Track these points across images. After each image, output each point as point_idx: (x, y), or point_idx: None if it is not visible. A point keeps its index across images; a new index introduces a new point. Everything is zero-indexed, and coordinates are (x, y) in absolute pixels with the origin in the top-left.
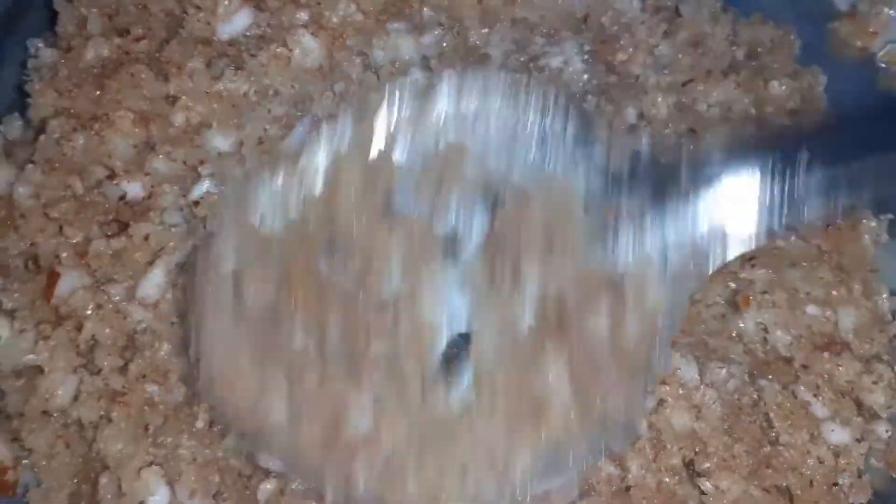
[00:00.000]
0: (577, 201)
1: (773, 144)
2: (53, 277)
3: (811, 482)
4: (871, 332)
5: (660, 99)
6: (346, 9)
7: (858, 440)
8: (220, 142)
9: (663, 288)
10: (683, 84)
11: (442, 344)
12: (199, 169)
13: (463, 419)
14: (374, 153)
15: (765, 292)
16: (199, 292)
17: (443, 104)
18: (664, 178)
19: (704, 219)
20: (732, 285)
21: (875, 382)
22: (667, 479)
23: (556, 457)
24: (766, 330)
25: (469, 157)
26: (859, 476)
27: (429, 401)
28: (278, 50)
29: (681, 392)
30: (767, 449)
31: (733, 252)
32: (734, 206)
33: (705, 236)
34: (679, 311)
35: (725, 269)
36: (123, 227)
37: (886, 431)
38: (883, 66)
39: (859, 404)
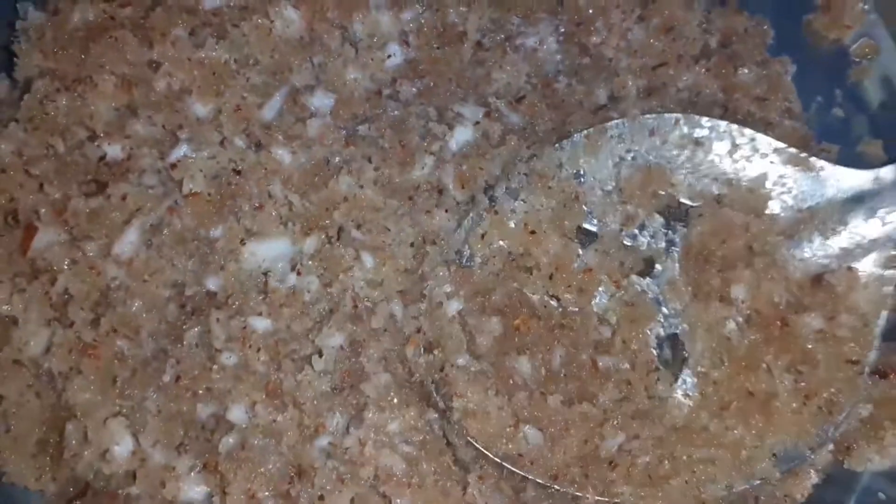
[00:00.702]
0: (767, 196)
1: None
2: (30, 232)
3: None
4: None
5: (630, 82)
6: None
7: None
8: (199, 108)
9: (869, 282)
10: (654, 68)
11: (657, 345)
12: (178, 133)
13: (696, 421)
14: (556, 192)
15: None
16: (436, 335)
17: (610, 147)
18: (858, 178)
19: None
20: None
21: None
22: None
23: (791, 446)
24: None
25: (650, 173)
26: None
27: (665, 407)
28: (260, 21)
29: None
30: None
31: None
32: None
33: None
34: (888, 299)
35: None
36: (102, 187)
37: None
38: (855, 60)
39: None
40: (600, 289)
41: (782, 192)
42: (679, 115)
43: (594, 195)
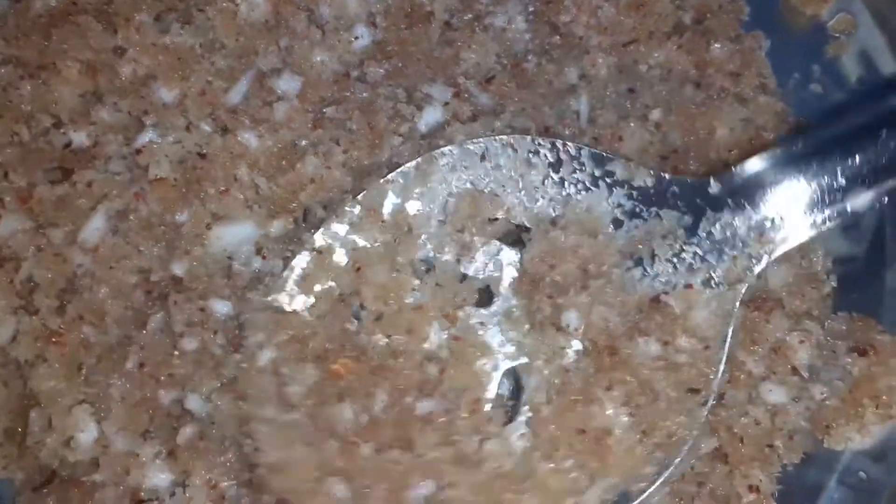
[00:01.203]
0: (604, 220)
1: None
2: None
3: (742, 439)
4: (804, 289)
5: (601, 59)
6: None
7: (796, 399)
8: (165, 94)
9: (710, 300)
10: (625, 45)
11: (493, 388)
12: (144, 119)
13: (525, 464)
14: (389, 227)
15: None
16: (244, 389)
17: (441, 176)
18: (694, 193)
19: (743, 226)
20: None
21: (802, 341)
22: None
23: (623, 488)
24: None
25: (482, 199)
26: (790, 437)
27: (488, 450)
28: (225, 4)
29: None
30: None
31: (779, 251)
32: (770, 210)
33: (746, 242)
34: (731, 319)
35: None
36: (67, 174)
37: (822, 393)
38: (834, 35)
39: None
40: (434, 324)
41: (619, 211)
42: (509, 137)
43: (429, 226)
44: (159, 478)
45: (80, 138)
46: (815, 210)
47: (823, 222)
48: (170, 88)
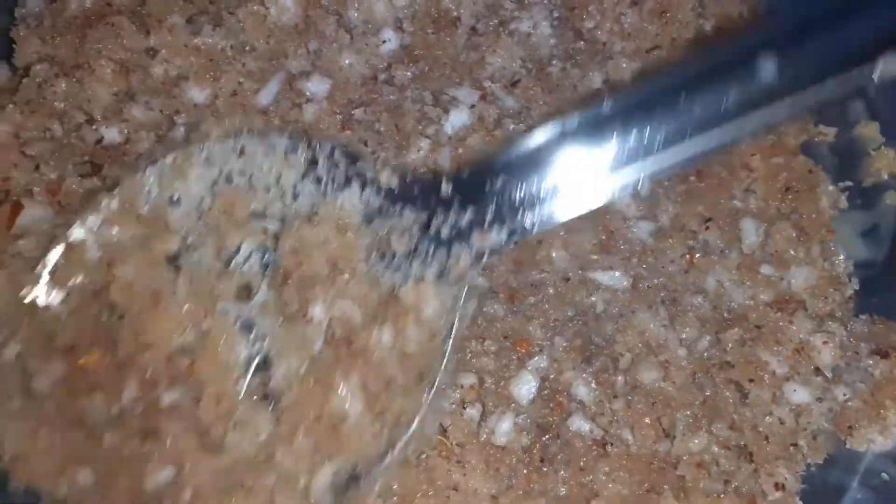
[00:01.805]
0: (355, 217)
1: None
2: (17, 209)
3: (767, 438)
4: (826, 290)
5: (624, 65)
6: None
7: (819, 400)
8: (196, 94)
9: (441, 293)
10: (648, 51)
11: (244, 373)
12: (175, 118)
13: (267, 449)
14: (145, 221)
15: (723, 251)
16: None
17: (198, 171)
18: (430, 192)
19: (466, 225)
20: (690, 243)
21: (826, 342)
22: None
23: (355, 466)
24: (723, 287)
25: (239, 195)
26: (814, 437)
27: (231, 438)
28: (255, 8)
29: (651, 345)
30: (732, 408)
31: (497, 247)
32: (490, 212)
33: (470, 240)
34: (456, 313)
35: (686, 229)
36: (97, 169)
37: (844, 395)
38: None
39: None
40: (187, 319)
41: (369, 210)
42: (266, 133)
43: (189, 221)
44: None
45: (111, 134)
46: (530, 212)
47: (532, 227)
48: (201, 88)
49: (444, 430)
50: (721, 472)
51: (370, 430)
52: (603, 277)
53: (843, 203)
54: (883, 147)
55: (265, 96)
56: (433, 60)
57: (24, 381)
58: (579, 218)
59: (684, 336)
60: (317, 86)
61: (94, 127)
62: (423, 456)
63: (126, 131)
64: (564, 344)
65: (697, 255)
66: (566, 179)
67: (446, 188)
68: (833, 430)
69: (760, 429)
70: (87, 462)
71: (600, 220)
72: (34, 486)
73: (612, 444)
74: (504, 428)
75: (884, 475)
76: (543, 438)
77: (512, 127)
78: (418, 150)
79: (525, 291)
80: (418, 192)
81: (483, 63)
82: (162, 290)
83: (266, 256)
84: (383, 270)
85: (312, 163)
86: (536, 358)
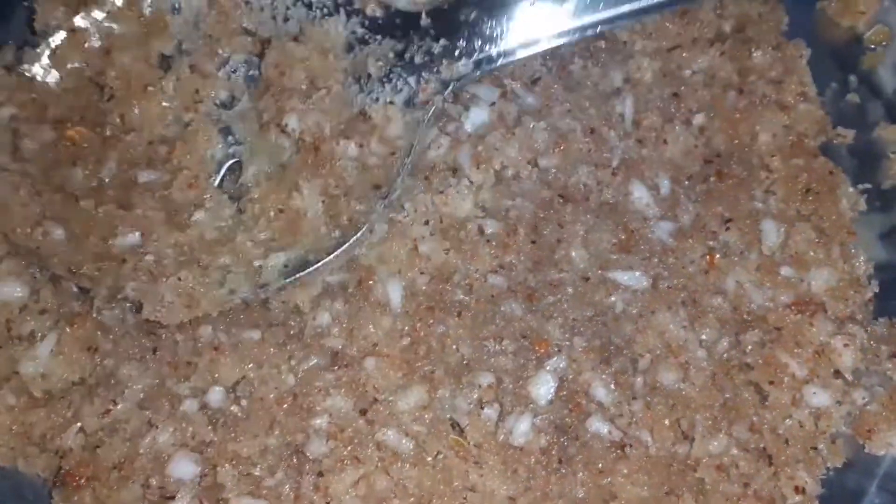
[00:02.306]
0: (338, 42)
1: None
2: None
3: (787, 441)
4: (847, 293)
5: (645, 64)
6: None
7: (839, 403)
8: None
9: (406, 115)
10: (669, 50)
11: (216, 169)
12: None
13: (227, 233)
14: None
15: (742, 252)
16: None
17: None
18: (409, 23)
19: (438, 55)
20: (710, 243)
21: (847, 345)
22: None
23: (306, 256)
24: (742, 289)
25: (233, 9)
26: (833, 441)
27: (196, 218)
28: None
29: (670, 346)
30: (752, 410)
31: (459, 80)
32: (460, 44)
33: (439, 69)
34: (416, 133)
35: (706, 229)
36: None
37: (863, 398)
38: (871, 47)
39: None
40: (172, 111)
41: (352, 37)
42: None
43: (186, 28)
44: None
45: None
46: (496, 45)
47: (489, 61)
48: None
49: (461, 430)
50: (740, 475)
51: (325, 228)
52: (622, 277)
53: (863, 205)
54: None
55: None
56: None
57: (14, 140)
58: (598, 217)
59: (704, 337)
60: None
61: None
62: (440, 456)
63: None
64: (583, 344)
65: (717, 256)
66: (531, 21)
67: (426, 20)
68: (852, 433)
69: (780, 431)
70: (61, 221)
71: (620, 219)
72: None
73: (630, 446)
74: (522, 428)
75: None
76: (562, 439)
77: (532, 125)
78: (438, 148)
79: (544, 291)
80: (399, 22)
81: None
82: (153, 83)
83: (251, 71)
84: (357, 92)
85: None
86: (555, 358)
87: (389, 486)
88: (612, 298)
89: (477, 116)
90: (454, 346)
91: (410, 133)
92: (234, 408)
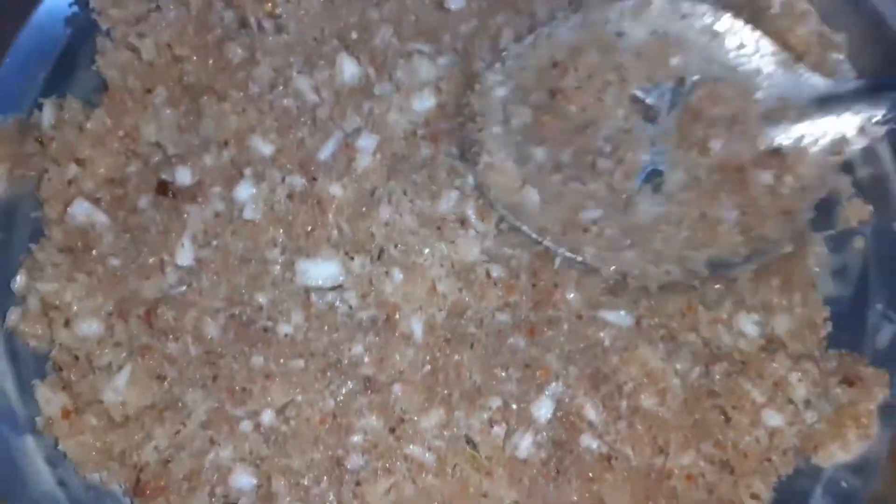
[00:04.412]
0: (757, 87)
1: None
2: None
3: (746, 454)
4: (804, 334)
5: None
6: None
7: (791, 424)
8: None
9: (816, 159)
10: None
11: (643, 169)
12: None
13: (658, 223)
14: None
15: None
16: (481, 108)
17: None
18: (824, 86)
19: (849, 119)
20: (689, 294)
21: (800, 379)
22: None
23: (721, 259)
24: (714, 329)
25: (669, 45)
26: (784, 454)
27: (635, 207)
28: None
29: (650, 375)
30: (717, 430)
31: (866, 141)
32: (870, 113)
33: (850, 131)
34: (823, 180)
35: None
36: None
37: (812, 419)
38: None
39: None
40: (618, 111)
41: (768, 84)
42: (708, 7)
43: (627, 52)
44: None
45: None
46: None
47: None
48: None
49: (474, 445)
50: (706, 483)
51: (739, 237)
52: (610, 316)
53: (826, 256)
54: (853, 198)
55: (325, 151)
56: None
57: (506, 112)
58: (589, 267)
59: (678, 368)
60: (366, 141)
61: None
62: (458, 467)
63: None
64: (577, 373)
65: (696, 303)
66: None
67: (843, 88)
68: (801, 447)
69: (740, 447)
70: (536, 186)
71: None
72: (496, 192)
73: (616, 459)
74: (525, 444)
75: (843, 483)
76: (558, 453)
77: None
78: (448, 201)
79: (543, 326)
80: (815, 84)
81: None
82: (604, 92)
83: (675, 96)
84: (773, 130)
85: (738, 43)
86: (553, 384)
87: (415, 493)
88: (602, 334)
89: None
90: (468, 374)
91: (819, 174)
92: (283, 427)
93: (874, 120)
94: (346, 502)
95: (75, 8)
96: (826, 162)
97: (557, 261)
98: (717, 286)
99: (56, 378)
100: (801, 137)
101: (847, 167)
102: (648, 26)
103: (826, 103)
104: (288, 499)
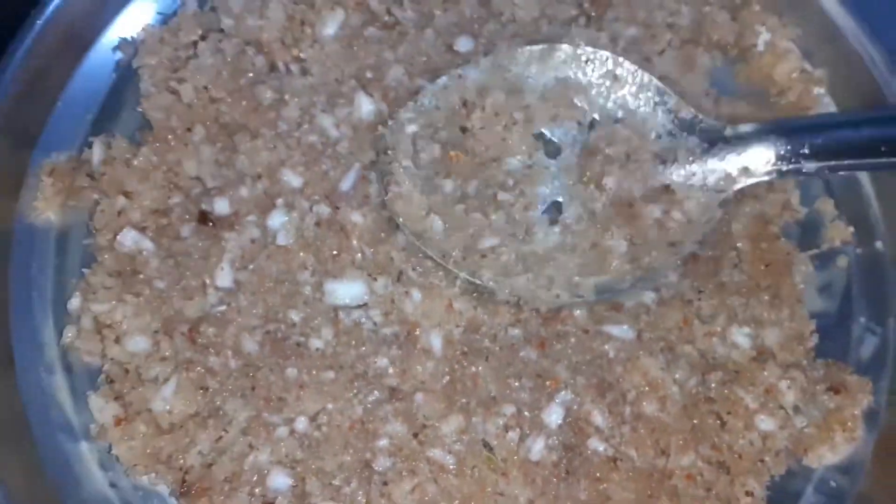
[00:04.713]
0: (652, 129)
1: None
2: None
3: (740, 456)
4: (793, 345)
5: None
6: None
7: (782, 428)
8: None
9: (702, 196)
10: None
11: (543, 202)
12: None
13: (553, 251)
14: (514, 85)
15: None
16: (393, 143)
17: (553, 63)
18: (713, 129)
19: (734, 160)
20: (685, 310)
21: (790, 386)
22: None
23: (609, 285)
24: (710, 341)
25: (574, 88)
26: (777, 455)
27: (532, 236)
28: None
29: (652, 384)
30: (714, 434)
31: (750, 181)
32: (754, 155)
33: (734, 171)
34: (709, 215)
35: (683, 298)
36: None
37: (802, 423)
38: None
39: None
40: (517, 155)
41: (664, 128)
42: (609, 54)
43: (533, 94)
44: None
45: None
46: (777, 164)
47: (779, 174)
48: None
49: (491, 449)
50: (704, 482)
51: (628, 266)
52: (614, 330)
53: (811, 273)
54: (836, 220)
55: (346, 182)
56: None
57: (416, 150)
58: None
59: (677, 376)
60: None
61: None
62: (476, 469)
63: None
64: (584, 382)
65: (692, 318)
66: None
67: (729, 131)
68: (793, 449)
69: (735, 449)
70: (441, 215)
71: None
72: (404, 218)
73: (621, 460)
74: (538, 447)
75: (832, 483)
76: (568, 455)
77: None
78: None
79: (553, 340)
80: (706, 128)
81: None
82: (509, 130)
83: (577, 134)
84: (663, 169)
85: (636, 86)
86: (563, 393)
87: (438, 492)
88: (606, 347)
89: None
90: (484, 384)
91: (703, 209)
92: (316, 433)
93: (767, 162)
94: (374, 500)
95: (119, 55)
96: (713, 198)
97: (457, 282)
98: (712, 301)
99: (108, 389)
100: (692, 175)
101: (830, 190)
102: (554, 70)
103: (715, 146)
104: (321, 498)
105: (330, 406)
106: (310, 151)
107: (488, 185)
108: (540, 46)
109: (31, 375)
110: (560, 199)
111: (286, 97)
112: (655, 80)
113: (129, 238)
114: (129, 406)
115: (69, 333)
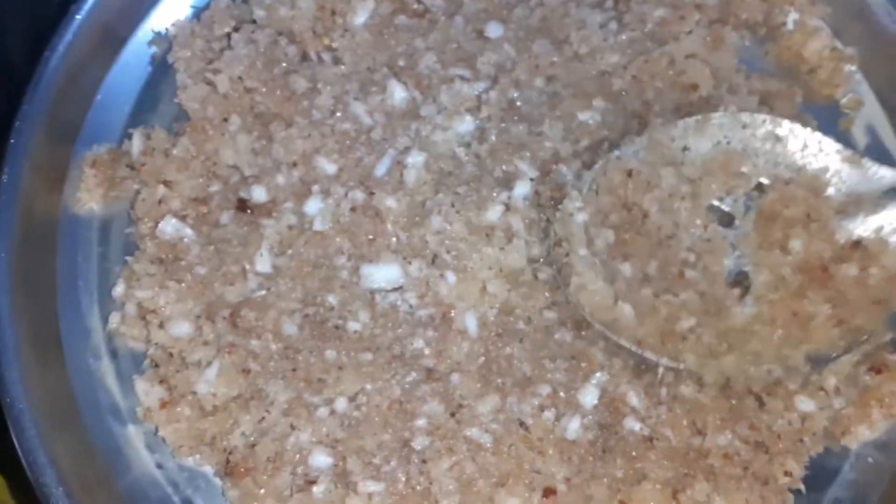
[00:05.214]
0: (826, 184)
1: None
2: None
3: (779, 436)
4: None
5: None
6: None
7: (821, 409)
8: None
9: None
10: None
11: (729, 274)
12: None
13: (752, 324)
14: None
15: None
16: (566, 234)
17: (712, 132)
18: (892, 179)
19: None
20: None
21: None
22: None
23: (821, 353)
24: None
25: (737, 155)
26: (815, 434)
27: (727, 312)
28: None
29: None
30: (752, 414)
31: None
32: None
33: None
34: None
35: None
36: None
37: (840, 404)
38: (845, 112)
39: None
40: (693, 227)
41: (837, 181)
42: (766, 116)
43: (693, 168)
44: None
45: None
46: None
47: None
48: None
49: (527, 428)
50: (742, 461)
51: (835, 332)
52: None
53: None
54: None
55: (380, 168)
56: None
57: (588, 235)
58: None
59: None
60: (415, 158)
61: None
62: (512, 447)
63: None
64: (621, 364)
65: None
66: None
67: None
68: (831, 429)
69: (774, 429)
70: (629, 301)
71: None
72: (590, 310)
73: (657, 440)
74: (574, 426)
75: (869, 459)
76: (604, 435)
77: None
78: (495, 213)
79: (589, 322)
80: (887, 172)
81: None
82: (680, 206)
83: (749, 200)
84: (849, 224)
85: (802, 146)
86: (598, 374)
87: (476, 470)
88: None
89: (520, 189)
90: (519, 365)
91: None
92: (355, 413)
93: None
94: (413, 478)
95: (154, 48)
96: None
97: (661, 370)
98: None
99: (153, 373)
100: (881, 228)
101: None
102: (712, 139)
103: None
104: (361, 476)
105: (368, 387)
106: (344, 139)
107: (669, 264)
108: (695, 118)
109: (80, 361)
110: (747, 269)
111: (319, 86)
112: (821, 135)
113: (169, 226)
114: (174, 389)
115: (114, 320)
